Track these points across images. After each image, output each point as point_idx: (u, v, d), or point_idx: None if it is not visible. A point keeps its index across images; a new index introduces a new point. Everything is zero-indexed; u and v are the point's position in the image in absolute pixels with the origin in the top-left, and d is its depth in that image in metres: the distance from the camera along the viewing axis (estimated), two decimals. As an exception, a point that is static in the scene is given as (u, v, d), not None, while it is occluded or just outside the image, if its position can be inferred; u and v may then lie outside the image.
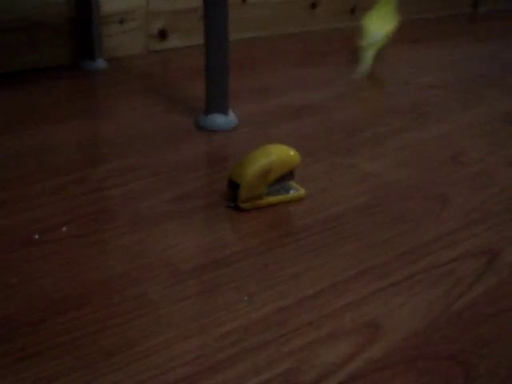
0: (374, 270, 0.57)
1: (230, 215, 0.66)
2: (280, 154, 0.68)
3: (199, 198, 0.70)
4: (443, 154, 0.85)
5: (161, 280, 0.54)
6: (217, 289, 0.53)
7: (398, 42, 1.36)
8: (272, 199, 0.68)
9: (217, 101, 0.92)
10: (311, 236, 0.62)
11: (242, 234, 0.62)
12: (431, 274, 0.57)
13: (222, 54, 0.90)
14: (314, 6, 1.71)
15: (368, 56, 1.16)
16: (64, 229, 0.62)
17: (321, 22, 1.74)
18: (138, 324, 0.48)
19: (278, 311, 0.51)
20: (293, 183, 0.72)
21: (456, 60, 1.40)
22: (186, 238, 0.61)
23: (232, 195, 0.68)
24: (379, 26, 1.18)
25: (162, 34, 1.42)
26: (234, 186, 0.67)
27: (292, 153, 0.69)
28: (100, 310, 0.50)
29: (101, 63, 1.24)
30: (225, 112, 0.93)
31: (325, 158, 0.82)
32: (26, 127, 0.90)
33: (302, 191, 0.71)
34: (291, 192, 0.70)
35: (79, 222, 0.64)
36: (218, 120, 0.92)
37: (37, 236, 0.60)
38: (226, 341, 0.47)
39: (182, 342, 0.47)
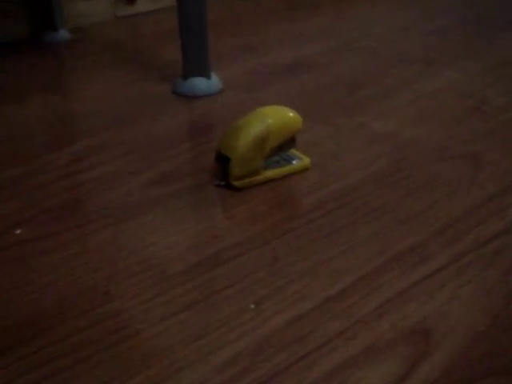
0: (409, 254, 0.45)
1: (221, 197, 0.54)
2: (277, 116, 0.56)
3: (182, 178, 0.57)
4: (464, 105, 0.73)
5: (141, 290, 0.42)
6: (213, 296, 0.41)
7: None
8: (271, 173, 0.56)
9: (196, 62, 0.79)
10: (324, 216, 0.50)
11: (239, 220, 0.50)
12: (481, 253, 0.45)
13: (197, 7, 0.77)
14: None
15: None
16: (18, 231, 0.50)
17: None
18: (112, 357, 0.37)
19: (295, 321, 0.39)
20: (295, 152, 0.60)
21: (456, 3, 1.27)
22: (169, 231, 0.49)
23: (222, 172, 0.55)
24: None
25: (130, -3, 1.28)
26: (223, 160, 0.55)
27: (291, 114, 0.56)
28: (60, 341, 0.38)
29: (64, 34, 1.11)
30: (206, 75, 0.80)
31: (327, 118, 0.70)
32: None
33: (307, 160, 0.58)
34: (294, 162, 0.58)
35: (36, 221, 0.51)
36: (199, 84, 0.80)
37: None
38: (230, 371, 0.35)
39: (171, 380, 0.35)
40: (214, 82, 0.81)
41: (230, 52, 0.97)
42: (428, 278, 0.42)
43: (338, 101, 0.75)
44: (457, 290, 0.41)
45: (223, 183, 0.55)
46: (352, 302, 0.40)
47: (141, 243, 0.48)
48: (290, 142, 0.57)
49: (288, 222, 0.50)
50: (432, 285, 0.42)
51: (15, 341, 0.38)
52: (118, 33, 1.11)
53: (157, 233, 0.49)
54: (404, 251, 0.45)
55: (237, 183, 0.54)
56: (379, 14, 1.17)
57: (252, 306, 0.40)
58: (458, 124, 0.67)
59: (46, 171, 0.60)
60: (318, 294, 0.41)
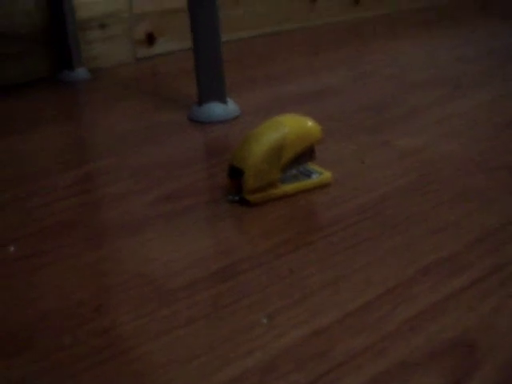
0: (442, 266, 0.39)
1: (234, 213, 0.49)
2: (294, 125, 0.51)
3: (192, 196, 0.53)
4: (495, 122, 0.67)
5: (137, 305, 0.37)
6: (218, 311, 0.36)
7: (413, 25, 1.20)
8: (289, 187, 0.51)
9: (211, 87, 0.76)
10: (346, 229, 0.45)
11: (253, 235, 0.45)
12: (528, 263, 0.39)
13: (213, 30, 0.74)
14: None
15: None
16: (11, 248, 0.45)
17: (322, 16, 1.58)
18: (97, 376, 0.31)
19: (313, 336, 0.33)
20: (314, 166, 0.55)
21: (475, 37, 1.23)
22: (173, 246, 0.44)
23: (236, 186, 0.51)
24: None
25: (150, 39, 1.27)
26: (236, 173, 0.50)
27: (310, 123, 0.52)
28: (44, 358, 0.33)
29: (81, 73, 1.09)
30: (222, 100, 0.76)
31: (350, 137, 0.65)
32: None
33: (328, 175, 0.54)
34: (313, 177, 0.53)
35: (32, 238, 0.47)
36: (215, 109, 0.76)
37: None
38: (236, 390, 0.29)
39: (167, 398, 0.29)
40: (230, 107, 0.77)
41: (251, 81, 0.94)
42: (466, 290, 0.37)
43: (363, 122, 0.70)
44: (501, 300, 0.35)
45: (237, 198, 0.50)
46: (378, 315, 0.35)
47: (139, 259, 0.43)
48: (308, 154, 0.52)
49: (305, 236, 0.44)
50: (471, 296, 0.36)
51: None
52: (136, 72, 1.10)
53: (159, 248, 0.44)
54: (436, 262, 0.40)
55: (251, 197, 0.50)
56: (403, 45, 1.14)
57: (264, 321, 0.35)
58: (491, 139, 0.62)
59: (49, 192, 0.56)
60: (338, 307, 0.36)
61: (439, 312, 0.35)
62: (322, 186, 0.53)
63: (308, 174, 0.53)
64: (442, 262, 0.40)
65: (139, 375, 0.31)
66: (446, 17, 1.58)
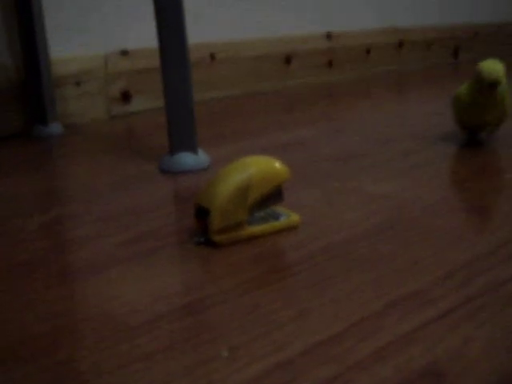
0: (411, 299, 0.38)
1: (200, 254, 0.48)
2: (261, 166, 0.51)
3: (158, 238, 0.52)
4: (464, 170, 0.68)
5: (95, 341, 0.35)
6: (178, 346, 0.35)
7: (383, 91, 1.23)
8: (256, 229, 0.51)
9: (182, 137, 0.76)
10: (314, 267, 0.44)
11: (218, 274, 0.44)
12: (496, 296, 0.38)
13: (183, 81, 0.74)
14: (288, 60, 1.59)
15: None
16: (-34, 290, 0.44)
17: (296, 77, 1.61)
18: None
19: (276, 368, 0.32)
20: (282, 209, 0.54)
21: (446, 94, 1.26)
22: (137, 285, 0.43)
23: (202, 227, 0.50)
24: None
25: (125, 96, 1.28)
26: (202, 213, 0.50)
27: (277, 164, 0.51)
28: (-10, 393, 0.31)
29: (55, 128, 1.09)
30: (193, 150, 0.76)
31: (320, 183, 0.65)
32: None
33: (296, 217, 0.53)
34: (281, 219, 0.52)
35: (-12, 278, 0.45)
36: (186, 159, 0.76)
37: None
38: (193, 422, 0.28)
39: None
40: (201, 157, 0.77)
41: (222, 137, 0.94)
42: (435, 321, 0.36)
43: (331, 170, 0.71)
44: (472, 331, 0.34)
45: (202, 240, 0.50)
46: (346, 346, 0.34)
47: (102, 298, 0.41)
48: (276, 196, 0.52)
49: (272, 274, 0.44)
50: (441, 327, 0.35)
51: None
52: (110, 128, 1.10)
53: (123, 287, 0.43)
54: (404, 297, 0.39)
55: (217, 238, 0.49)
56: (374, 104, 1.16)
57: (225, 354, 0.33)
58: (459, 185, 0.62)
59: (13, 235, 0.54)
60: (303, 340, 0.34)
61: (407, 343, 0.33)
62: (290, 228, 0.52)
63: (276, 217, 0.53)
64: (410, 296, 0.39)
65: (92, 409, 0.29)
66: (419, 78, 1.63)
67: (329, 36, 1.69)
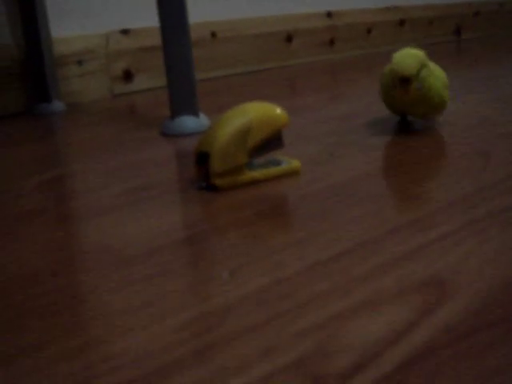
0: (414, 224, 0.38)
1: (201, 197, 0.48)
2: (260, 110, 0.50)
3: (160, 187, 0.51)
4: (466, 122, 0.67)
5: (94, 269, 0.35)
6: (179, 269, 0.34)
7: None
8: (257, 173, 0.50)
9: (183, 101, 0.76)
10: (314, 203, 0.44)
11: (218, 211, 0.44)
12: (498, 219, 0.38)
13: (183, 44, 0.74)
14: (289, 39, 1.59)
15: None
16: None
17: (298, 56, 1.61)
18: (56, 321, 0.29)
19: (277, 284, 0.32)
20: (283, 157, 0.54)
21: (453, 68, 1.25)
22: (137, 223, 0.43)
23: (203, 173, 0.49)
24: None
25: (127, 75, 1.28)
26: (203, 158, 0.49)
27: (277, 109, 0.51)
28: (1, 309, 0.31)
29: (58, 106, 1.09)
30: (194, 113, 0.76)
31: (320, 138, 0.65)
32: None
33: (297, 163, 0.53)
34: (282, 165, 0.52)
35: (-11, 223, 0.45)
36: (187, 122, 0.75)
37: None
38: (191, 330, 0.28)
39: (122, 338, 0.27)
40: (202, 120, 0.77)
41: (224, 106, 0.94)
42: (439, 240, 0.35)
43: (332, 128, 0.70)
44: (475, 246, 0.34)
45: (204, 184, 0.49)
46: (347, 263, 0.33)
47: (101, 235, 0.41)
48: (276, 141, 0.51)
49: (272, 210, 0.43)
50: (444, 245, 0.35)
51: None
52: (113, 105, 1.10)
53: (123, 226, 0.42)
54: (408, 223, 0.39)
55: (218, 181, 0.48)
56: (374, 79, 1.15)
57: (225, 274, 0.33)
58: (472, 129, 0.62)
59: (15, 191, 0.54)
60: (304, 260, 0.34)
61: (410, 259, 0.33)
62: (291, 174, 0.52)
63: (277, 163, 0.52)
64: (413, 222, 0.39)
65: (93, 321, 0.29)
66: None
67: (329, 15, 1.68)
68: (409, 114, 0.65)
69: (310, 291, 0.30)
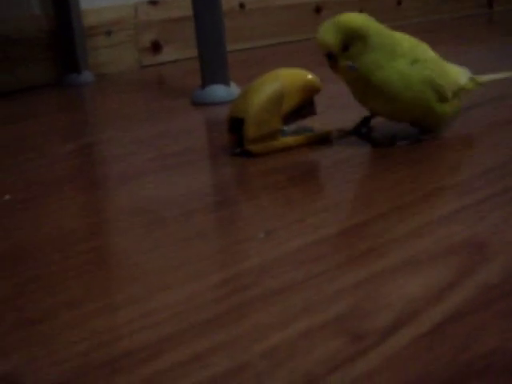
0: (450, 190, 0.38)
1: (233, 162, 0.48)
2: (293, 76, 0.50)
3: (191, 153, 0.52)
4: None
5: (130, 230, 0.36)
6: (214, 231, 0.35)
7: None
8: (290, 139, 0.50)
9: (214, 70, 0.75)
10: (348, 168, 0.44)
11: (251, 176, 0.44)
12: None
13: (214, 14, 0.74)
14: (318, 10, 1.57)
15: None
16: (7, 196, 0.44)
17: (330, 26, 1.58)
18: (94, 279, 0.30)
19: (313, 245, 0.31)
20: (315, 124, 0.53)
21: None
22: (170, 186, 0.43)
23: (236, 140, 0.49)
24: None
25: (155, 47, 1.27)
26: (236, 124, 0.49)
27: (309, 76, 0.50)
28: (39, 268, 0.31)
29: (87, 76, 1.09)
30: (225, 82, 0.76)
31: (355, 106, 0.64)
32: None
33: (330, 129, 0.52)
34: (314, 131, 0.52)
35: (27, 189, 0.46)
36: (218, 91, 0.75)
37: None
38: (227, 288, 0.28)
39: (160, 295, 0.28)
40: (233, 89, 0.76)
41: (256, 74, 0.93)
42: (475, 205, 0.35)
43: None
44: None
45: (238, 150, 0.49)
46: (383, 226, 0.33)
47: (135, 197, 0.41)
48: (308, 107, 0.51)
49: (306, 175, 0.43)
50: (481, 209, 0.34)
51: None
52: (142, 76, 1.10)
53: (156, 189, 0.43)
54: (442, 188, 0.38)
55: (253, 147, 0.48)
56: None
57: (261, 236, 0.33)
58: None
59: (49, 157, 0.55)
60: (340, 223, 0.34)
61: (447, 222, 0.33)
62: (324, 140, 0.51)
63: (309, 130, 0.52)
64: (449, 187, 0.38)
65: (129, 280, 0.29)
66: (451, 29, 1.59)
67: (360, -15, 1.65)
68: (370, 110, 0.50)
69: (347, 252, 0.30)
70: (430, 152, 0.46)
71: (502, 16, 1.82)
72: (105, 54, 1.18)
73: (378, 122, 0.50)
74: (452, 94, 0.48)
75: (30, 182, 0.47)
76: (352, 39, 0.44)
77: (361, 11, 1.54)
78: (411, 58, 0.46)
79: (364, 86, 0.46)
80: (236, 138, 0.49)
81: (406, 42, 0.47)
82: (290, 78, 0.49)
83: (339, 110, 0.62)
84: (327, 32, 0.44)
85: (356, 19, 0.45)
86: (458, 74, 0.50)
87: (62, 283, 0.30)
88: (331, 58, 0.45)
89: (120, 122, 0.68)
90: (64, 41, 1.10)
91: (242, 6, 1.41)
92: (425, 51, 0.48)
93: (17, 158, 0.55)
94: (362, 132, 0.50)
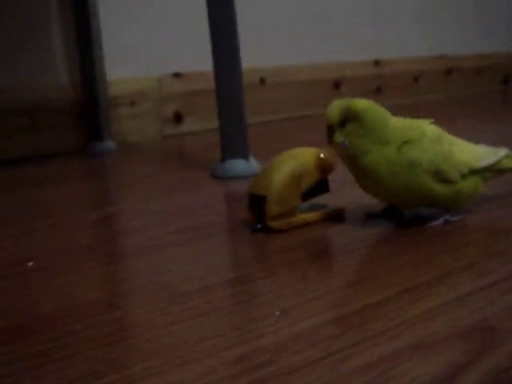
0: (463, 272, 0.38)
1: (252, 238, 0.49)
2: (309, 155, 0.52)
3: (211, 228, 0.53)
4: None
5: (150, 303, 0.37)
6: (232, 307, 0.36)
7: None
8: (308, 215, 0.51)
9: (234, 144, 0.78)
10: (365, 247, 0.45)
11: (271, 251, 0.45)
12: (550, 270, 0.38)
13: (235, 87, 0.77)
14: (337, 85, 1.61)
15: None
16: (30, 263, 0.46)
17: (347, 102, 1.62)
18: (113, 351, 0.31)
19: (328, 324, 0.32)
20: (326, 202, 0.55)
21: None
22: (190, 261, 0.44)
23: (257, 215, 0.50)
24: None
25: (177, 117, 1.31)
26: (257, 201, 0.50)
27: (323, 155, 0.52)
28: (54, 340, 0.32)
29: (110, 145, 1.12)
30: (245, 156, 0.78)
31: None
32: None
33: (341, 207, 0.54)
34: (328, 208, 0.53)
35: (49, 258, 0.47)
36: (237, 165, 0.77)
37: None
38: (243, 365, 0.29)
39: (178, 370, 0.28)
40: (252, 163, 0.78)
41: (275, 149, 0.96)
42: (487, 288, 0.36)
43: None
44: (524, 296, 0.34)
45: (259, 226, 0.50)
46: (396, 307, 0.34)
47: (156, 271, 0.43)
48: (323, 185, 0.52)
49: (323, 253, 0.44)
50: (495, 292, 0.35)
51: (8, 339, 0.32)
52: (163, 146, 1.13)
53: (176, 263, 0.44)
54: (456, 270, 0.39)
55: (274, 224, 0.49)
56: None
57: (277, 313, 0.34)
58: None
59: (71, 225, 0.57)
60: (355, 302, 0.35)
61: (459, 305, 0.34)
62: (337, 218, 0.53)
63: (322, 206, 0.54)
64: (462, 268, 0.39)
65: (148, 353, 0.30)
66: (468, 106, 1.62)
67: (377, 62, 1.70)
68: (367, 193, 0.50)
69: (362, 332, 0.31)
70: (447, 231, 0.47)
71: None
72: (128, 124, 1.22)
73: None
74: (463, 174, 0.47)
75: (54, 249, 0.49)
76: (350, 118, 0.46)
77: (379, 88, 1.58)
78: (401, 141, 0.46)
79: (355, 167, 0.48)
80: (256, 214, 0.51)
81: (399, 125, 0.48)
82: (307, 156, 0.51)
83: (351, 186, 0.63)
84: (333, 107, 0.47)
85: (359, 102, 0.47)
86: (475, 153, 0.49)
87: (81, 354, 0.31)
88: (330, 131, 0.48)
89: (141, 193, 0.70)
90: (89, 110, 1.14)
91: (262, 80, 1.45)
92: (421, 132, 0.48)
93: (42, 223, 0.57)
94: (390, 215, 0.51)
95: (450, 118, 1.33)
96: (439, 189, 0.47)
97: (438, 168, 0.46)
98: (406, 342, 0.30)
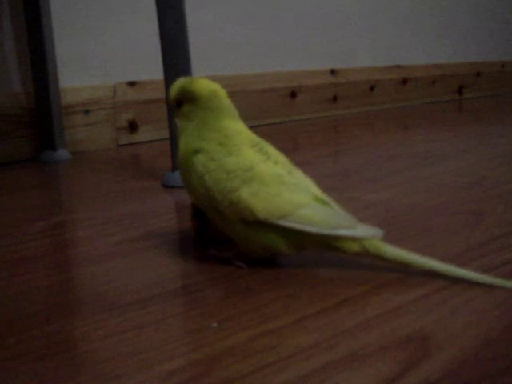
0: (403, 281, 0.39)
1: (198, 247, 0.49)
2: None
3: (157, 238, 0.52)
4: (461, 182, 0.69)
5: (88, 315, 0.36)
6: (169, 318, 0.35)
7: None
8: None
9: (185, 153, 0.77)
10: (316, 257, 0.45)
11: (214, 262, 0.45)
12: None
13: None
14: (294, 94, 1.62)
15: None
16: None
17: (302, 112, 1.64)
18: (46, 365, 0.30)
19: (263, 335, 0.32)
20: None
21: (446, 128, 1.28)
22: (132, 273, 0.44)
23: (201, 223, 0.50)
24: None
25: (132, 126, 1.30)
26: (200, 210, 0.50)
27: (273, 165, 0.52)
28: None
29: (63, 154, 1.11)
30: (195, 166, 0.77)
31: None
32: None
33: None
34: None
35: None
36: (188, 174, 0.77)
37: None
38: (176, 379, 0.28)
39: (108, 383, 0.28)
40: (203, 172, 0.78)
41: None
42: (425, 297, 0.36)
43: (331, 184, 0.72)
44: (461, 304, 0.35)
45: (203, 235, 0.50)
46: (333, 318, 0.34)
47: (96, 283, 0.42)
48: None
49: (265, 262, 0.44)
50: (430, 302, 0.35)
51: None
52: (117, 155, 1.12)
53: (116, 275, 0.43)
54: (396, 279, 0.39)
55: (217, 234, 0.49)
56: (376, 133, 1.18)
57: (214, 325, 0.34)
58: (456, 193, 0.63)
59: (14, 236, 0.55)
60: (291, 314, 0.35)
61: (395, 315, 0.34)
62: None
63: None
64: (399, 279, 0.39)
65: (80, 368, 0.30)
66: (423, 114, 1.65)
67: (333, 72, 1.72)
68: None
69: (295, 344, 0.31)
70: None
71: (470, 103, 1.89)
72: (82, 133, 1.21)
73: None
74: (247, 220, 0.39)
75: (-6, 262, 0.48)
76: (186, 99, 0.42)
77: (335, 97, 1.60)
78: (199, 147, 0.41)
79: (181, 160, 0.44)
80: (199, 223, 0.50)
81: (231, 128, 0.44)
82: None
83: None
84: (175, 84, 0.43)
85: (197, 83, 0.42)
86: (283, 202, 0.41)
87: (11, 369, 0.30)
88: (172, 109, 0.43)
89: (92, 202, 0.69)
90: (42, 118, 1.12)
91: (218, 89, 1.44)
92: (230, 149, 0.43)
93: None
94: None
95: (404, 127, 1.35)
96: (211, 212, 0.41)
97: (211, 193, 0.40)
98: (339, 354, 0.30)
